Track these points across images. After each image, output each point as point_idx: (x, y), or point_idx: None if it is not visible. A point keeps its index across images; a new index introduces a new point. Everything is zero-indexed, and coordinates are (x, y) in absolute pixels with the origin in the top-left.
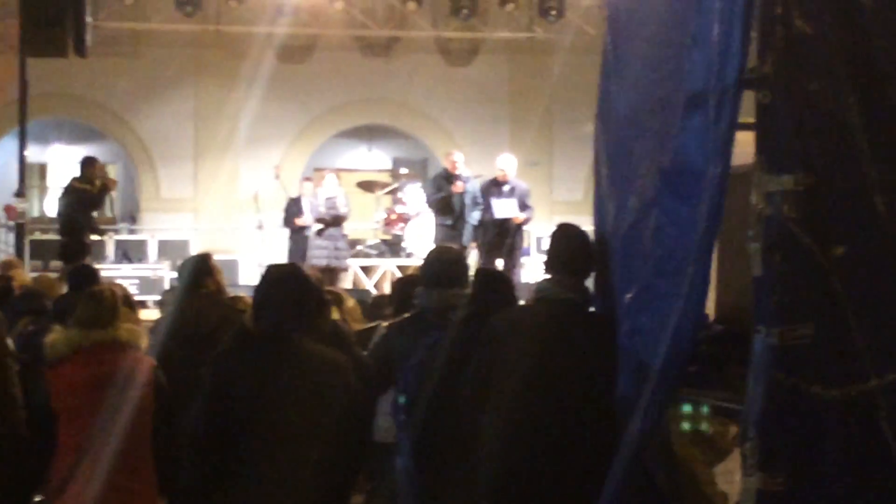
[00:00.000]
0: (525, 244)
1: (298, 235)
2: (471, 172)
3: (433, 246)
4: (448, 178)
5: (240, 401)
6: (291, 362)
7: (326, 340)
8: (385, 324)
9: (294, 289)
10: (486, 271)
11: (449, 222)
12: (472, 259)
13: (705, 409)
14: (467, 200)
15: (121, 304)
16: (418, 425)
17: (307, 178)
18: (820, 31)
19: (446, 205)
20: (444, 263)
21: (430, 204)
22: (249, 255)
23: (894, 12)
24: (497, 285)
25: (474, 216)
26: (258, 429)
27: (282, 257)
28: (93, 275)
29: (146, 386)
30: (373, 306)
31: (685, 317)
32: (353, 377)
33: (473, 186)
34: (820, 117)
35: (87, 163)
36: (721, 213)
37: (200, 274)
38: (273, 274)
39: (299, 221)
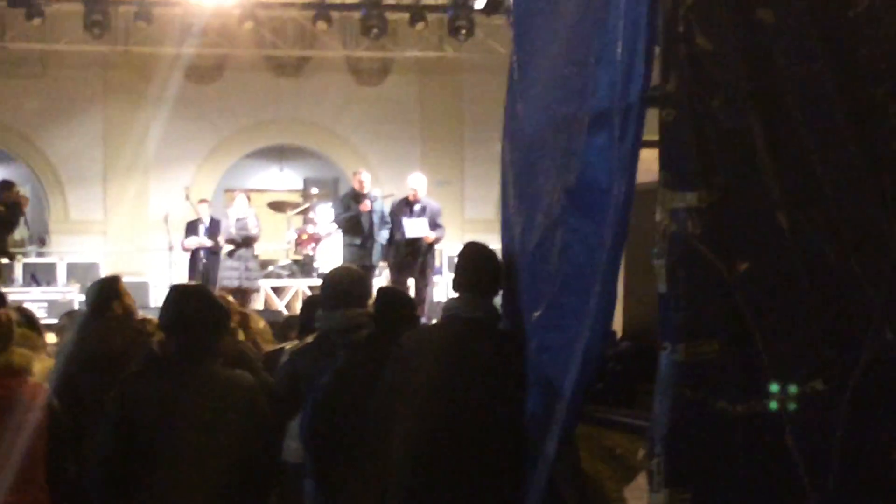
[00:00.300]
0: (437, 263)
1: (195, 258)
2: (381, 192)
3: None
4: (356, 197)
5: (145, 425)
6: (198, 385)
7: (231, 362)
8: (288, 346)
9: (199, 310)
10: (387, 290)
11: (358, 242)
12: (384, 278)
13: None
14: (375, 219)
15: (15, 328)
16: (324, 446)
17: (202, 200)
18: (722, 49)
19: (355, 224)
20: (343, 284)
21: (339, 223)
22: (160, 277)
23: (794, 29)
24: (399, 304)
25: (383, 235)
26: (165, 453)
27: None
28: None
29: (39, 411)
30: (283, 327)
31: (593, 334)
32: (261, 399)
33: (381, 205)
34: (723, 134)
35: (3, 186)
36: (626, 230)
37: (106, 297)
38: (178, 295)
39: (187, 243)
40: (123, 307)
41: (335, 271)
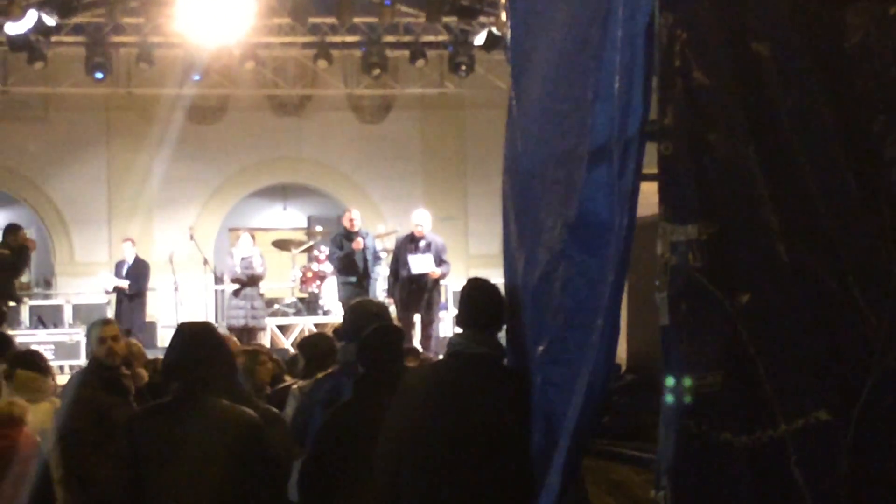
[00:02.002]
0: (443, 299)
1: (119, 299)
2: (384, 227)
3: (341, 304)
4: (347, 236)
5: (153, 463)
6: (201, 421)
7: (237, 400)
8: (296, 386)
9: (205, 348)
10: (376, 331)
11: (353, 280)
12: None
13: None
14: (369, 256)
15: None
16: (314, 490)
17: (127, 239)
18: (718, 83)
19: (349, 262)
20: (364, 317)
21: (333, 263)
22: (167, 316)
23: (789, 62)
24: (384, 345)
25: (377, 271)
26: (170, 487)
27: (199, 318)
28: (7, 342)
29: (29, 463)
30: (289, 365)
31: (597, 367)
32: (264, 434)
33: (373, 242)
34: (721, 167)
35: (11, 229)
36: (628, 264)
37: (89, 344)
38: (182, 334)
39: (109, 284)
40: (106, 353)
41: (356, 304)
